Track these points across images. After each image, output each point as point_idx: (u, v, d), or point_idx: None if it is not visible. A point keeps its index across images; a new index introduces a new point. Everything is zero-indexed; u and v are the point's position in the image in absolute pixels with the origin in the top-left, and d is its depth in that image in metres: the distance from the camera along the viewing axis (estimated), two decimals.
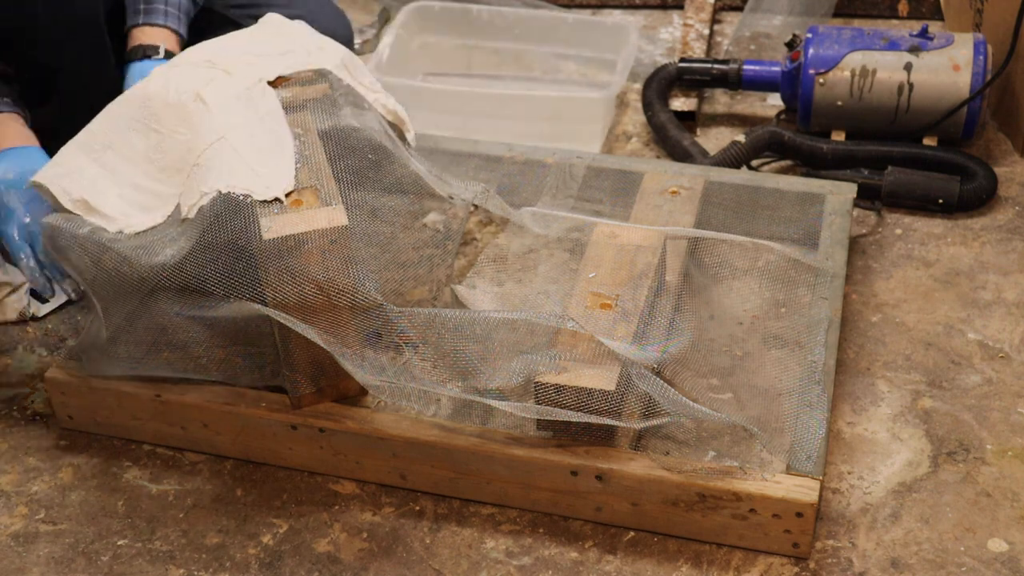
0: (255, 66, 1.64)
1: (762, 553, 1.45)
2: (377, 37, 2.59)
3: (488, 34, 2.47)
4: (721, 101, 2.38)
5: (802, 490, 1.40)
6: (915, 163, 2.06)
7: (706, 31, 2.48)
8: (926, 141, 2.11)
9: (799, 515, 1.40)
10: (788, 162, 2.14)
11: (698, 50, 2.41)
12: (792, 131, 2.11)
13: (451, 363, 1.48)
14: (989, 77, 2.07)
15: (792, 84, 2.17)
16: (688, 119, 2.25)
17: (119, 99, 1.63)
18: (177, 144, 1.56)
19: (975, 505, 1.50)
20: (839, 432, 1.61)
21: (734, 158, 2.07)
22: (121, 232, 1.53)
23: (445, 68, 2.48)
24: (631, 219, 1.79)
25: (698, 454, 1.50)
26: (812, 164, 2.10)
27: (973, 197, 2.00)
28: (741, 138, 2.09)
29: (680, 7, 2.64)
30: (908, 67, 2.08)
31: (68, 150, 1.61)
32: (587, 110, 2.19)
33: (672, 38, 2.57)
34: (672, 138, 2.15)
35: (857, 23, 2.59)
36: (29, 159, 1.67)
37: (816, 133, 2.16)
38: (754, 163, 2.12)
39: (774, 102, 2.34)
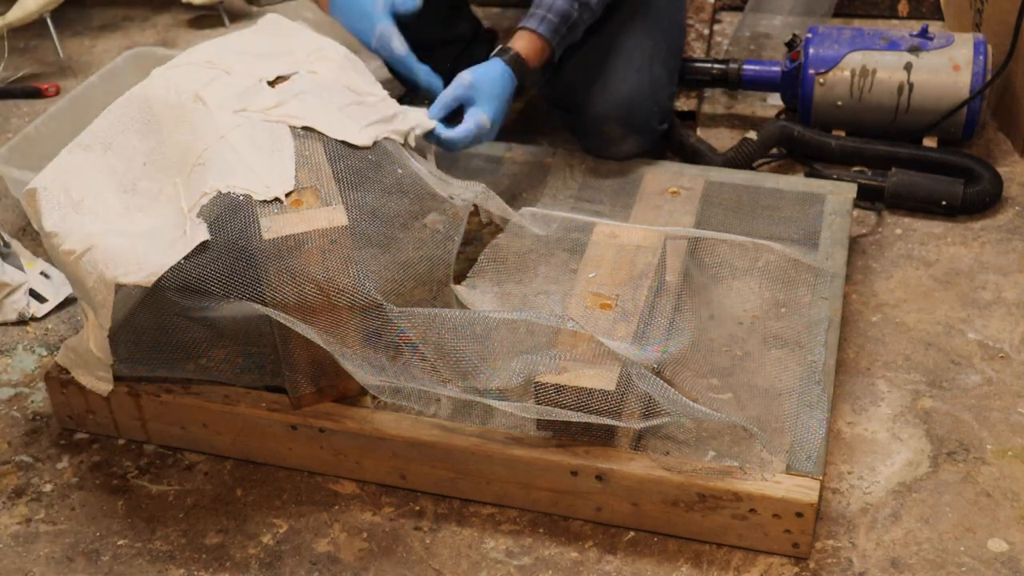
0: (255, 66, 1.64)
1: (762, 553, 1.45)
2: None
3: None
4: (721, 101, 2.38)
5: (802, 490, 1.40)
6: (923, 163, 2.05)
7: (706, 31, 2.48)
8: (926, 141, 2.11)
9: (799, 515, 1.40)
10: (788, 162, 2.14)
11: (698, 50, 2.41)
12: (801, 126, 2.11)
13: (451, 363, 1.48)
14: (989, 77, 2.07)
15: (792, 84, 2.17)
16: (688, 119, 2.25)
17: (119, 100, 1.63)
18: (177, 144, 1.56)
19: (975, 505, 1.50)
20: (839, 432, 1.61)
21: (747, 156, 2.07)
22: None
23: None
24: (631, 219, 1.79)
25: (698, 454, 1.50)
26: (820, 159, 2.10)
27: (976, 200, 2.00)
28: (752, 135, 2.09)
29: None
30: (908, 67, 2.08)
31: (69, 151, 1.61)
32: None
33: None
34: (678, 136, 2.15)
35: (857, 23, 2.59)
36: None
37: None
38: (754, 163, 2.12)
39: (774, 102, 2.34)
